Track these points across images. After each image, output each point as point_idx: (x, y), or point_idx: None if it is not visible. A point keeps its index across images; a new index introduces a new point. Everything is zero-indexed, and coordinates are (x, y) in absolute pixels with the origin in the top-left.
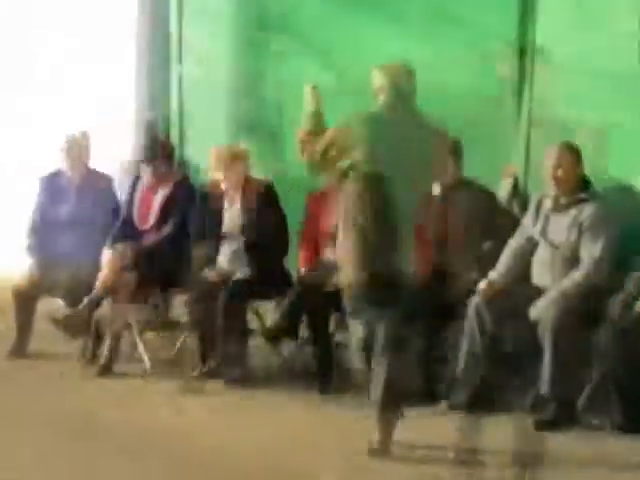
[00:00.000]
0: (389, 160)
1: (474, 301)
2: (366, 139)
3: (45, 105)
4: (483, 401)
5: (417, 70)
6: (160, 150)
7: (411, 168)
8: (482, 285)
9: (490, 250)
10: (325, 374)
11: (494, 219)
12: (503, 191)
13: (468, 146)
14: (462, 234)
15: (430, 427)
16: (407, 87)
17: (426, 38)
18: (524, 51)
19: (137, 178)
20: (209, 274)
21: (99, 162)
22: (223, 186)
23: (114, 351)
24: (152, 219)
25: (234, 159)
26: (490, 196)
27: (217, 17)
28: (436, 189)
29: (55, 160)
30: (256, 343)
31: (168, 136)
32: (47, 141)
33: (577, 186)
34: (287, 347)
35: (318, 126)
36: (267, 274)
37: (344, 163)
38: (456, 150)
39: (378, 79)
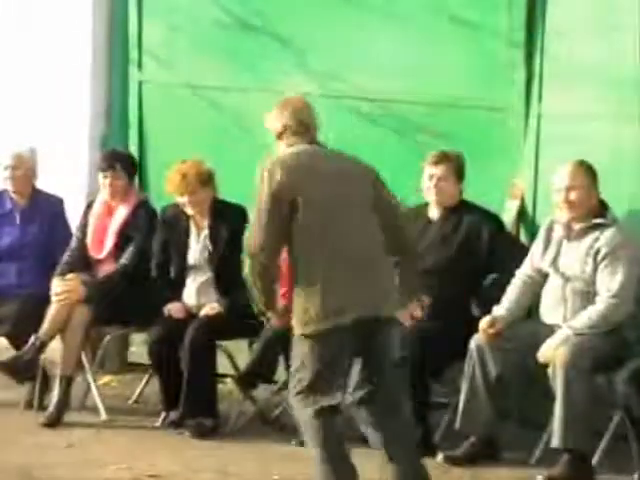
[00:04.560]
0: None
1: (475, 340)
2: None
3: None
4: (484, 454)
5: (412, 75)
6: (120, 160)
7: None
8: (484, 323)
9: (494, 282)
10: None
11: (498, 246)
12: (508, 214)
13: (470, 162)
14: (463, 263)
15: None
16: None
17: (423, 40)
18: (532, 56)
19: (91, 202)
20: (173, 310)
21: (48, 181)
22: (188, 211)
23: (64, 398)
24: (108, 247)
25: (202, 180)
26: (494, 220)
27: (179, 16)
28: (434, 212)
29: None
30: (227, 388)
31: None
32: None
33: (593, 211)
34: (262, 393)
35: None
36: (239, 309)
37: None
38: (458, 168)
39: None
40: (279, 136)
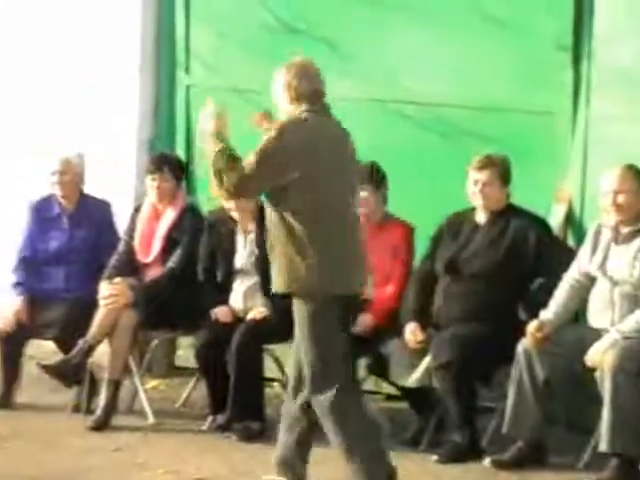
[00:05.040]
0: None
1: (522, 345)
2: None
3: (35, 120)
4: (531, 458)
5: (459, 79)
6: (168, 163)
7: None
8: (532, 327)
9: (541, 286)
10: None
11: (545, 250)
12: (556, 218)
13: (517, 166)
14: (510, 268)
15: None
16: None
17: (469, 44)
18: (579, 59)
19: (139, 205)
20: (220, 314)
21: (95, 185)
22: (235, 215)
23: (112, 402)
24: (155, 250)
25: None
26: (541, 225)
27: (226, 20)
28: (481, 217)
29: (46, 184)
30: (274, 392)
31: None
32: (38, 162)
33: None
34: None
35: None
36: (286, 313)
37: None
38: (503, 172)
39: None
40: (293, 101)
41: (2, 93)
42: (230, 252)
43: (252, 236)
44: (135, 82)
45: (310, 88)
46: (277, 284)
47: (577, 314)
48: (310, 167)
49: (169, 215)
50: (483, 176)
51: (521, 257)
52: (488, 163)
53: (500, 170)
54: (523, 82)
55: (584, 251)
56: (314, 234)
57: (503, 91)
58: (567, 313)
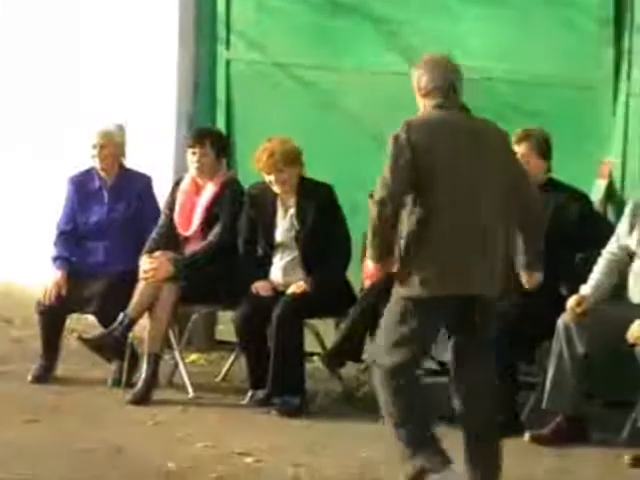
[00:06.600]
0: None
1: (563, 319)
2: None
3: (75, 93)
4: (571, 433)
5: (503, 54)
6: (209, 137)
7: None
8: (572, 302)
9: (581, 261)
10: None
11: (586, 226)
12: (597, 193)
13: (559, 141)
14: (551, 243)
15: (510, 462)
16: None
17: (512, 19)
18: (621, 32)
19: (180, 179)
20: (260, 288)
21: (136, 158)
22: (275, 189)
23: (152, 376)
24: (195, 224)
25: (288, 159)
26: (582, 200)
27: None
28: None
29: (86, 157)
30: (314, 366)
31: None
32: (77, 135)
33: None
34: (349, 371)
35: None
36: (326, 288)
37: None
38: (540, 145)
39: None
40: (425, 95)
41: (37, 66)
42: (270, 226)
43: (292, 210)
44: (174, 56)
45: (436, 83)
46: (494, 288)
47: (619, 290)
48: (424, 168)
49: (210, 189)
50: (520, 149)
51: (562, 232)
52: (524, 136)
53: (536, 143)
54: (565, 56)
55: (622, 226)
56: (422, 238)
57: (545, 66)
58: (606, 287)
